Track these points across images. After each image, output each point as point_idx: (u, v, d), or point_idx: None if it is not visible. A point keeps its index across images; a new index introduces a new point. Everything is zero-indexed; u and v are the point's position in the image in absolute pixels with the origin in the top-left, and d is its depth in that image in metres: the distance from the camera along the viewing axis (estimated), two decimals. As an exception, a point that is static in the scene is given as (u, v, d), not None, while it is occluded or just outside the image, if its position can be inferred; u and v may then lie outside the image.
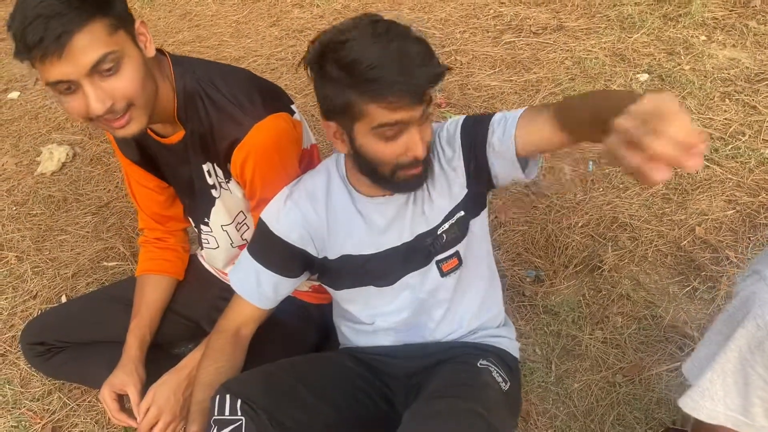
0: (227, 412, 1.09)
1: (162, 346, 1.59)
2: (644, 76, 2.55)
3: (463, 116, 1.20)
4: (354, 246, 1.24)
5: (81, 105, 1.07)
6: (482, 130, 1.15)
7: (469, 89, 2.64)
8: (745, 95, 2.38)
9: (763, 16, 2.81)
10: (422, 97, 1.04)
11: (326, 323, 1.54)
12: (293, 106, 1.31)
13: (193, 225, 1.53)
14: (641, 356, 1.63)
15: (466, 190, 1.21)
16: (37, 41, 0.99)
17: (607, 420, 1.51)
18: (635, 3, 3.01)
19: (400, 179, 1.12)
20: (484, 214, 1.28)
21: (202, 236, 1.51)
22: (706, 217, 1.97)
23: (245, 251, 1.30)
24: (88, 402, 1.68)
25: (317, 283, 1.50)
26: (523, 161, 1.13)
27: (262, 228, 1.26)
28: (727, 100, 2.38)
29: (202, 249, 1.58)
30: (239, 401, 1.10)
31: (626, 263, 1.87)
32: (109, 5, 1.05)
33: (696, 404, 1.01)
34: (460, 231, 1.23)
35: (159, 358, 1.49)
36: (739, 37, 2.71)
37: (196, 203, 1.44)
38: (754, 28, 2.74)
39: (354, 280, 1.27)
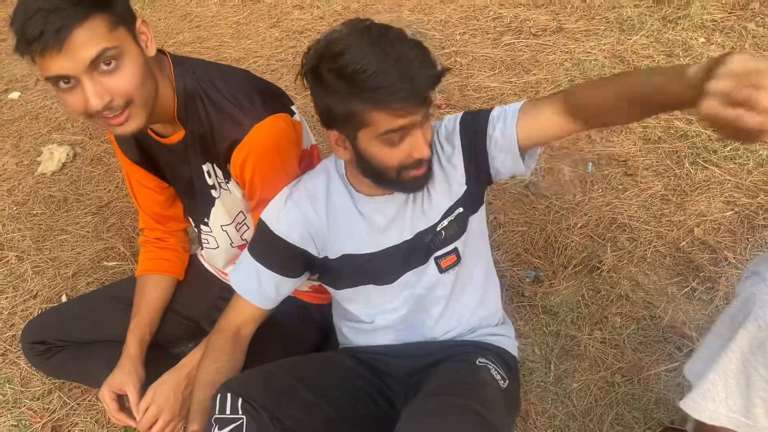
0: (228, 411, 1.10)
1: (162, 345, 1.60)
2: (643, 78, 2.56)
3: (461, 113, 1.21)
4: (354, 245, 1.24)
5: (79, 101, 1.07)
6: (481, 125, 1.16)
7: (469, 90, 2.65)
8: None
9: (761, 18, 2.82)
10: (424, 100, 1.05)
11: (326, 323, 1.54)
12: (293, 107, 1.31)
13: (193, 225, 1.53)
14: (640, 356, 1.64)
15: (465, 187, 1.22)
16: (37, 35, 0.99)
17: (606, 420, 1.51)
18: (634, 5, 3.02)
19: (406, 180, 1.13)
20: (482, 210, 1.29)
21: (202, 236, 1.51)
22: (705, 218, 1.98)
23: (246, 251, 1.31)
24: (88, 401, 1.68)
25: (317, 284, 1.51)
26: (523, 154, 1.15)
27: (262, 228, 1.26)
28: (725, 101, 2.39)
29: (202, 249, 1.58)
30: (240, 400, 1.10)
31: (625, 264, 1.88)
32: (109, 2, 1.05)
33: (698, 405, 1.02)
34: (459, 228, 1.24)
35: (159, 358, 1.50)
36: (738, 39, 2.72)
37: (196, 203, 1.44)
38: (753, 30, 2.75)
39: (354, 280, 1.28)
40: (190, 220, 1.53)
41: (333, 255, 1.26)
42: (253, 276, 1.28)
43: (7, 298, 2.01)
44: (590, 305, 1.79)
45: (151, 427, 1.34)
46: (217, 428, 1.09)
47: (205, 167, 1.34)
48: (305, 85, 1.10)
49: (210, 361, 1.26)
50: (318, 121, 1.15)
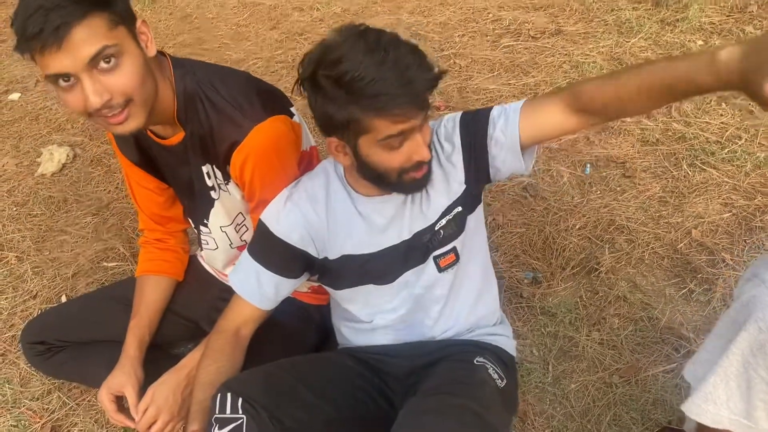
0: (228, 411, 1.10)
1: (161, 346, 1.60)
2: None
3: (460, 112, 1.22)
4: (354, 246, 1.25)
5: (79, 99, 1.07)
6: (482, 124, 1.17)
7: (468, 92, 2.66)
8: (741, 99, 2.40)
9: (759, 21, 2.83)
10: (423, 103, 1.06)
11: (325, 324, 1.55)
12: (293, 109, 1.32)
13: (193, 226, 1.54)
14: (637, 357, 1.65)
15: (464, 186, 1.23)
16: (37, 32, 1.00)
17: (604, 420, 1.52)
18: (633, 8, 3.04)
19: (407, 182, 1.14)
20: (480, 209, 1.30)
21: (202, 237, 1.52)
22: (703, 220, 1.99)
23: (245, 252, 1.31)
24: (88, 401, 1.69)
25: (317, 284, 1.51)
26: (523, 153, 1.16)
27: (262, 229, 1.27)
28: (723, 104, 2.40)
29: (201, 250, 1.59)
30: (240, 400, 1.11)
31: (623, 265, 1.89)
32: (109, 0, 1.06)
33: (699, 408, 1.02)
34: (457, 227, 1.25)
35: (158, 359, 1.50)
36: (736, 42, 2.73)
37: (196, 204, 1.45)
38: (751, 33, 2.76)
39: (354, 280, 1.28)
40: (190, 221, 1.54)
41: (333, 256, 1.27)
42: (253, 277, 1.28)
43: (6, 298, 2.01)
44: (588, 306, 1.79)
45: (150, 427, 1.35)
46: (217, 428, 1.09)
47: (205, 168, 1.34)
48: (302, 93, 1.11)
49: (210, 361, 1.26)
50: (317, 125, 1.16)
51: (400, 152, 1.09)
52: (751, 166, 2.14)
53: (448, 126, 1.21)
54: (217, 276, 1.62)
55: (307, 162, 1.39)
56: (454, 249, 1.26)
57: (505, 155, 1.17)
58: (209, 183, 1.37)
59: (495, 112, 1.17)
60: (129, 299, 1.54)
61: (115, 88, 1.07)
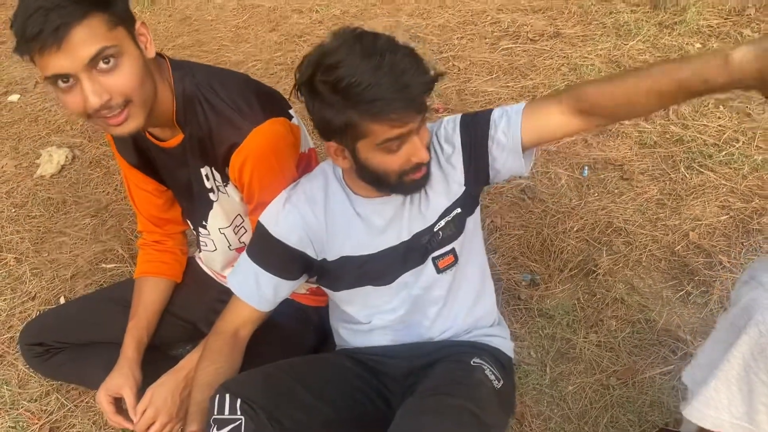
0: (227, 412, 1.10)
1: (160, 347, 1.60)
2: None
3: (460, 114, 1.23)
4: (353, 247, 1.25)
5: (78, 100, 1.07)
6: (483, 126, 1.18)
7: (467, 95, 2.66)
8: (739, 102, 2.41)
9: (757, 24, 2.84)
10: (420, 107, 1.06)
11: (324, 326, 1.55)
12: (291, 111, 1.32)
13: (192, 228, 1.54)
14: (635, 359, 1.65)
15: (464, 188, 1.23)
16: (36, 33, 1.00)
17: (601, 422, 1.52)
18: (631, 11, 3.04)
19: (406, 183, 1.15)
20: (477, 210, 1.31)
21: (201, 239, 1.52)
22: (700, 223, 1.99)
23: (244, 254, 1.32)
24: (86, 403, 1.69)
25: (315, 286, 1.52)
26: (524, 154, 1.18)
27: (261, 231, 1.27)
28: (721, 107, 2.41)
29: (200, 252, 1.59)
30: (239, 401, 1.11)
31: (620, 267, 1.89)
32: (109, 1, 1.06)
33: (701, 413, 1.02)
34: (456, 228, 1.25)
35: (157, 360, 1.50)
36: (734, 45, 2.73)
37: (194, 206, 1.45)
38: (749, 36, 2.77)
39: (352, 281, 1.29)
40: (189, 223, 1.54)
41: (331, 257, 1.27)
42: (252, 278, 1.29)
43: (5, 299, 2.01)
44: (586, 308, 1.80)
45: (148, 428, 1.35)
46: (215, 429, 1.09)
47: (204, 171, 1.35)
48: (300, 98, 1.11)
49: (208, 362, 1.27)
50: (315, 129, 1.16)
51: (398, 155, 1.10)
52: (749, 168, 2.15)
53: (448, 128, 1.22)
54: (215, 278, 1.62)
55: (305, 164, 1.39)
56: (453, 250, 1.26)
57: (506, 157, 1.18)
58: (208, 185, 1.37)
59: (496, 113, 1.18)
60: (127, 301, 1.54)
61: (115, 89, 1.08)
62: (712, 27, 2.86)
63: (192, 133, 1.28)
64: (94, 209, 2.36)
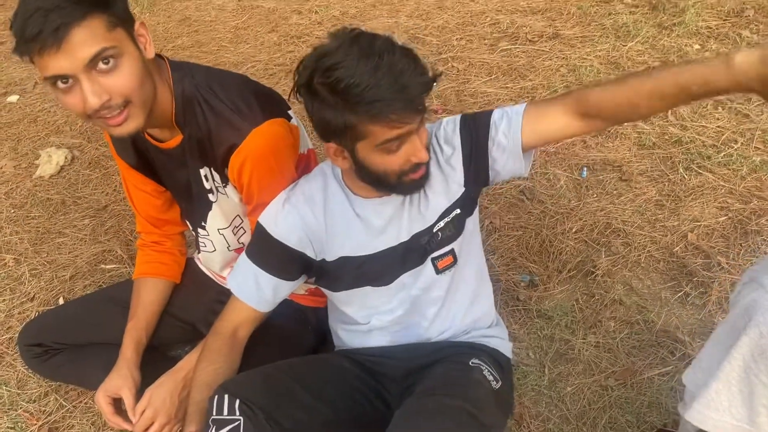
0: (225, 412, 1.10)
1: (158, 348, 1.60)
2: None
3: (460, 115, 1.23)
4: (352, 248, 1.26)
5: (78, 101, 1.07)
6: (483, 127, 1.19)
7: (466, 96, 2.67)
8: (737, 103, 2.41)
9: (756, 25, 2.85)
10: (419, 107, 1.07)
11: (322, 327, 1.55)
12: (290, 112, 1.33)
13: (191, 228, 1.54)
14: (633, 360, 1.65)
15: (463, 189, 1.23)
16: (36, 33, 1.00)
17: (599, 423, 1.52)
18: (630, 12, 3.05)
19: (406, 183, 1.15)
20: (476, 211, 1.31)
21: (200, 240, 1.52)
22: (699, 224, 1.99)
23: (243, 254, 1.32)
24: (85, 403, 1.69)
25: (314, 287, 1.52)
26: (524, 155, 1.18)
27: (260, 231, 1.27)
28: (720, 108, 2.41)
29: (199, 252, 1.59)
30: (237, 401, 1.11)
31: (619, 268, 1.89)
32: (108, 2, 1.06)
33: (702, 415, 1.01)
34: (455, 229, 1.25)
35: (155, 361, 1.50)
36: (732, 46, 2.74)
37: (194, 207, 1.45)
38: (747, 37, 2.78)
39: (351, 282, 1.29)
40: (188, 223, 1.54)
41: (330, 257, 1.27)
42: (251, 279, 1.29)
43: (4, 300, 2.01)
44: (584, 309, 1.80)
45: (147, 429, 1.35)
46: (214, 429, 1.10)
47: (203, 171, 1.35)
48: (299, 100, 1.11)
49: (207, 362, 1.27)
50: (315, 130, 1.17)
51: (398, 155, 1.10)
52: (747, 169, 2.15)
53: (448, 129, 1.22)
54: (214, 278, 1.62)
55: (304, 165, 1.40)
56: (452, 251, 1.27)
57: (507, 158, 1.19)
58: (207, 186, 1.38)
59: (496, 115, 1.19)
60: (126, 301, 1.54)
61: (114, 89, 1.08)
62: (710, 28, 2.86)
63: (191, 134, 1.28)
64: (93, 210, 2.36)
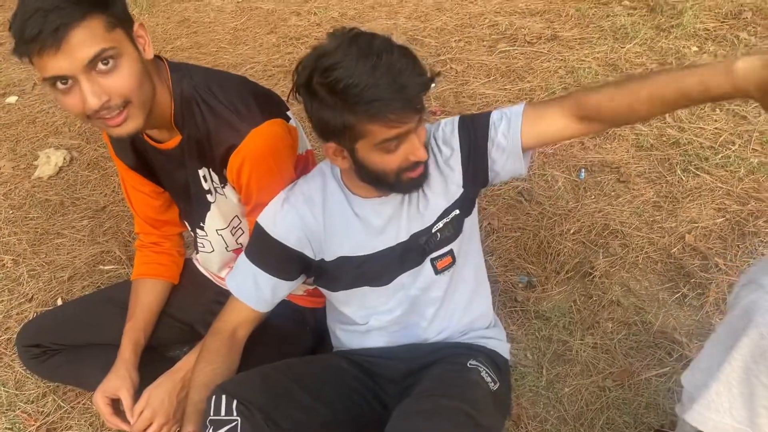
0: (223, 413, 1.10)
1: (157, 349, 1.60)
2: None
3: (458, 116, 1.24)
4: (351, 248, 1.26)
5: (77, 101, 1.08)
6: (482, 127, 1.19)
7: (464, 97, 2.67)
8: (735, 105, 2.42)
9: (753, 27, 2.85)
10: (417, 107, 1.07)
11: (320, 327, 1.55)
12: (289, 113, 1.33)
13: (189, 229, 1.54)
14: (631, 361, 1.65)
15: (462, 189, 1.24)
16: (35, 34, 1.00)
17: (597, 424, 1.52)
18: (628, 14, 3.06)
19: (404, 181, 1.16)
20: (475, 211, 1.31)
21: (198, 240, 1.52)
22: (696, 225, 2.00)
23: (243, 254, 1.32)
24: (83, 404, 1.69)
25: (312, 287, 1.52)
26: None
27: (259, 231, 1.28)
28: (717, 109, 2.42)
29: (197, 253, 1.59)
30: (235, 401, 1.11)
31: (617, 270, 1.90)
32: (107, 2, 1.06)
33: (702, 417, 1.01)
34: (454, 229, 1.26)
35: (154, 361, 1.51)
36: (730, 48, 2.75)
37: (192, 208, 1.46)
38: (745, 39, 2.79)
39: (350, 282, 1.29)
40: (186, 224, 1.55)
41: (329, 257, 1.28)
42: (250, 279, 1.29)
43: (2, 301, 2.01)
44: (582, 310, 1.80)
45: (145, 430, 1.35)
46: (211, 429, 1.10)
47: (201, 172, 1.35)
48: (298, 100, 1.12)
49: (205, 363, 1.27)
50: (314, 130, 1.17)
51: (396, 155, 1.10)
52: (745, 171, 2.16)
53: (446, 129, 1.23)
54: (212, 279, 1.62)
55: (303, 165, 1.40)
56: (451, 251, 1.27)
57: (506, 159, 1.19)
58: (206, 186, 1.38)
59: (494, 116, 1.19)
60: (125, 302, 1.54)
61: (114, 90, 1.08)
62: (708, 30, 2.87)
63: (190, 135, 1.29)
64: (91, 211, 2.36)
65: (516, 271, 1.94)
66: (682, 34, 2.86)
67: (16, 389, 1.75)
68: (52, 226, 2.30)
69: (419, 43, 3.05)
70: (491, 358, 1.32)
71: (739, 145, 2.26)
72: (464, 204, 1.26)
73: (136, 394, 1.40)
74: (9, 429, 1.66)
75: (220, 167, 1.30)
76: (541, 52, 2.88)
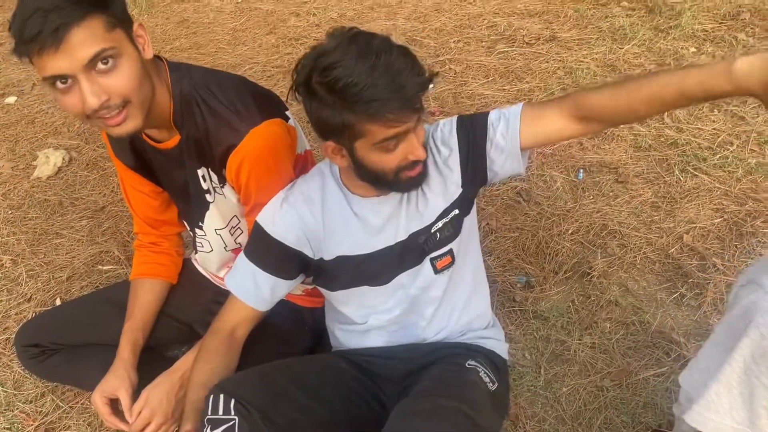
0: (221, 412, 1.11)
1: (155, 349, 1.60)
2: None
3: (456, 116, 1.24)
4: (350, 247, 1.26)
5: (77, 101, 1.08)
6: (481, 127, 1.20)
7: (463, 98, 2.67)
8: (733, 106, 2.42)
9: (752, 28, 2.86)
10: (415, 106, 1.07)
11: (319, 327, 1.55)
12: (288, 113, 1.33)
13: (188, 229, 1.55)
14: (629, 361, 1.66)
15: (461, 189, 1.24)
16: (35, 34, 1.00)
17: (595, 424, 1.53)
18: (627, 15, 3.06)
19: (403, 180, 1.16)
20: (474, 211, 1.32)
21: (197, 240, 1.52)
22: (694, 225, 2.00)
23: (242, 254, 1.32)
24: (81, 404, 1.69)
25: (311, 287, 1.52)
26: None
27: (258, 231, 1.28)
28: (715, 110, 2.42)
29: (196, 253, 1.59)
30: (233, 401, 1.11)
31: (615, 270, 1.90)
32: (107, 2, 1.07)
33: (702, 417, 1.01)
34: (454, 229, 1.26)
35: (152, 361, 1.50)
36: (729, 49, 2.76)
37: (191, 207, 1.46)
38: (743, 40, 2.79)
39: (348, 281, 1.29)
40: (185, 224, 1.55)
41: (328, 257, 1.28)
42: (249, 278, 1.29)
43: (1, 301, 2.01)
44: (580, 310, 1.80)
45: (143, 429, 1.35)
46: (209, 429, 1.10)
47: (200, 172, 1.35)
48: (297, 99, 1.12)
49: (204, 362, 1.27)
50: (313, 129, 1.17)
51: (395, 154, 1.11)
52: (743, 171, 2.16)
53: (445, 130, 1.23)
54: (211, 279, 1.62)
55: (302, 166, 1.40)
56: (450, 251, 1.27)
57: (505, 159, 1.20)
58: (204, 186, 1.38)
59: (493, 116, 1.19)
60: (123, 302, 1.54)
61: (113, 89, 1.08)
62: (706, 31, 2.88)
63: (189, 135, 1.29)
64: (90, 211, 2.36)
65: (514, 271, 1.94)
66: (680, 35, 2.86)
67: (14, 389, 1.75)
68: (51, 226, 2.30)
69: (418, 44, 3.06)
70: (490, 358, 1.32)
71: (737, 145, 2.26)
72: (463, 204, 1.26)
73: (135, 394, 1.40)
74: (7, 429, 1.66)
75: (219, 167, 1.30)
76: (540, 53, 2.88)
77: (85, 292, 2.00)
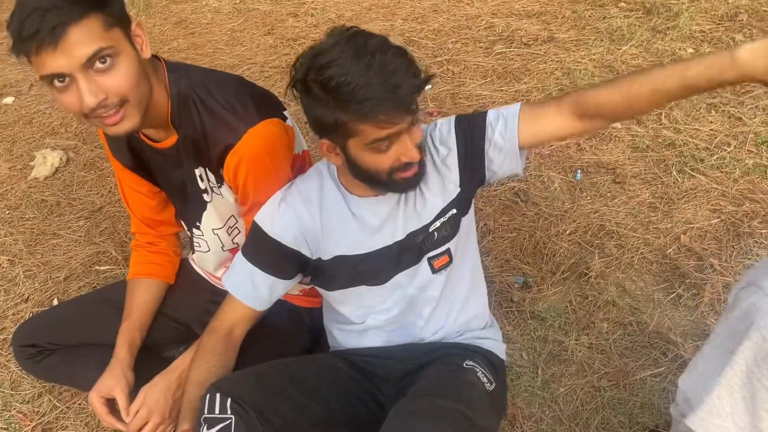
0: (217, 411, 1.11)
1: (152, 349, 1.60)
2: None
3: (455, 116, 1.24)
4: (348, 247, 1.26)
5: (74, 100, 1.08)
6: (479, 127, 1.20)
7: (461, 99, 2.68)
8: (731, 107, 2.43)
9: (749, 29, 2.86)
10: (409, 108, 1.07)
11: (317, 327, 1.55)
12: (286, 113, 1.33)
13: (185, 229, 1.54)
14: (626, 361, 1.66)
15: (459, 189, 1.24)
16: (33, 33, 1.01)
17: (592, 424, 1.53)
18: (624, 16, 3.07)
19: (397, 181, 1.16)
20: (471, 210, 1.32)
21: (194, 240, 1.52)
22: (691, 226, 2.01)
23: (239, 254, 1.32)
24: (78, 404, 1.69)
25: (308, 287, 1.52)
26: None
27: (256, 230, 1.28)
28: (713, 111, 2.43)
29: (193, 253, 1.59)
30: (229, 400, 1.11)
31: (612, 270, 1.90)
32: (105, 2, 1.07)
33: (704, 422, 1.00)
34: (451, 229, 1.26)
35: (149, 361, 1.51)
36: (737, 44, 2.75)
37: (188, 207, 1.46)
38: (741, 41, 2.79)
39: (346, 281, 1.29)
40: (182, 223, 1.55)
41: (326, 256, 1.28)
42: (247, 277, 1.29)
43: (-2, 301, 2.01)
44: (578, 311, 1.81)
45: (141, 429, 1.35)
46: (205, 428, 1.10)
47: (198, 171, 1.35)
48: (295, 96, 1.12)
49: (201, 361, 1.27)
50: (310, 126, 1.17)
51: (388, 155, 1.11)
52: (740, 172, 2.17)
53: (443, 129, 1.23)
54: (208, 279, 1.62)
55: (299, 166, 1.40)
56: (448, 251, 1.27)
57: (503, 158, 1.20)
58: (202, 186, 1.38)
59: (491, 115, 1.19)
60: (120, 302, 1.54)
61: (111, 88, 1.08)
62: (704, 32, 2.88)
63: (186, 134, 1.29)
64: (87, 211, 2.36)
65: (512, 271, 1.95)
66: (678, 36, 2.87)
67: (11, 389, 1.75)
68: (48, 226, 2.30)
69: (416, 45, 3.06)
70: (487, 358, 1.32)
71: (735, 146, 2.27)
72: (461, 203, 1.26)
73: (132, 394, 1.40)
74: (4, 429, 1.66)
75: (216, 167, 1.30)
76: (538, 54, 2.88)
77: (82, 293, 2.00)
